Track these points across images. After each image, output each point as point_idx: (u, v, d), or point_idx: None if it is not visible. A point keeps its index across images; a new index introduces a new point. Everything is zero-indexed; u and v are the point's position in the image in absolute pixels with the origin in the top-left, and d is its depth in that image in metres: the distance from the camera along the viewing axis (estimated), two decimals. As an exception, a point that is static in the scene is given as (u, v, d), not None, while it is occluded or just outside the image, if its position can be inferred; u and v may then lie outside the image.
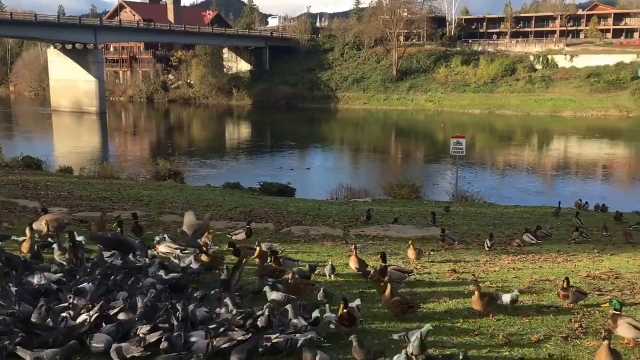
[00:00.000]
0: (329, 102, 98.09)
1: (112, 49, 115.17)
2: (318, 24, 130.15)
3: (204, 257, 8.53)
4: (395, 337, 5.98)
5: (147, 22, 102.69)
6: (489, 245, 12.24)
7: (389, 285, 6.89)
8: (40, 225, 9.86)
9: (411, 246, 10.14)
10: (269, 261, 8.85)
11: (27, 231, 8.65)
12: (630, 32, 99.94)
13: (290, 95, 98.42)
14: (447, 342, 6.17)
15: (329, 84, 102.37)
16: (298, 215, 16.52)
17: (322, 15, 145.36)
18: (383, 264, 8.26)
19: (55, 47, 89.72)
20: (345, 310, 6.12)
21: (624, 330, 6.04)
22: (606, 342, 5.17)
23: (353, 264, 8.96)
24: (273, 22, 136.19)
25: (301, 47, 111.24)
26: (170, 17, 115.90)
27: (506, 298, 7.23)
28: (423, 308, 7.22)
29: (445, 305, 7.49)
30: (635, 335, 5.99)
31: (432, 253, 11.22)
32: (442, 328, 6.59)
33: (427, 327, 5.73)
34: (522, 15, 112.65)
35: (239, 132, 77.36)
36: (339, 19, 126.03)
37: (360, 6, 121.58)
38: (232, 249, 9.10)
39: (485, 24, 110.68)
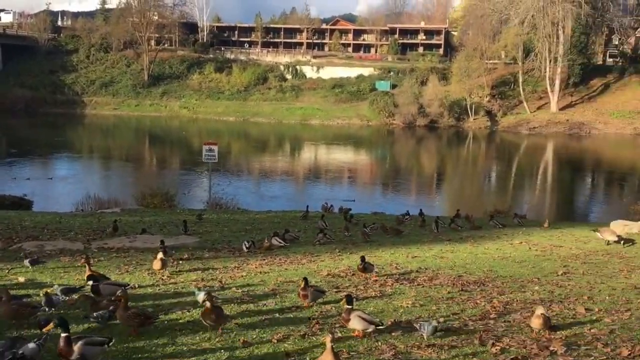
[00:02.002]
0: (75, 107, 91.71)
1: None
2: (60, 23, 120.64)
3: None
4: None
5: None
6: (246, 246, 12.44)
7: (124, 299, 6.48)
8: None
9: (157, 256, 9.79)
10: None
11: None
12: (367, 47, 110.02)
13: (29, 99, 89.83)
14: (186, 352, 6.02)
15: (73, 87, 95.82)
16: (34, 230, 15.04)
17: (64, 13, 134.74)
18: (94, 283, 7.72)
19: None
20: (62, 335, 5.31)
21: (354, 322, 6.43)
22: (329, 347, 5.27)
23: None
24: (6, 18, 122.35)
25: (41, 46, 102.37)
26: None
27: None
28: (162, 319, 6.95)
29: (188, 315, 7.30)
30: (364, 326, 6.42)
31: (180, 262, 10.95)
32: (182, 337, 6.42)
33: None
34: (272, 25, 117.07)
35: (-35, 139, 68.22)
36: (84, 19, 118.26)
37: (107, 6, 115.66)
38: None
39: (236, 32, 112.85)
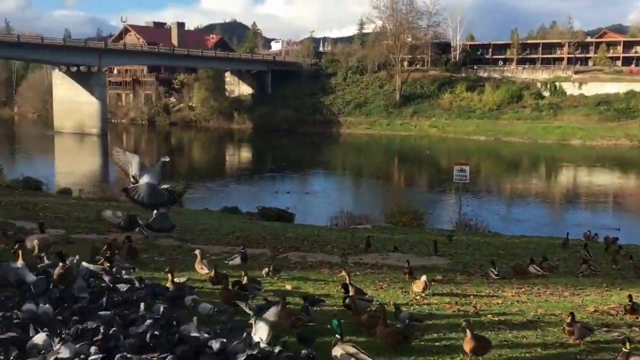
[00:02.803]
0: (331, 127, 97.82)
1: (115, 72, 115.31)
2: (321, 48, 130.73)
3: (169, 284, 8.25)
4: None
5: (151, 45, 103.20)
6: (495, 272, 11.95)
7: (383, 315, 6.58)
8: (32, 244, 9.74)
9: (420, 278, 9.87)
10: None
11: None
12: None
13: (292, 119, 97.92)
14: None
15: (331, 108, 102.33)
16: (296, 241, 16.19)
17: (325, 39, 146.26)
18: (347, 294, 7.82)
19: (59, 70, 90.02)
20: None
21: (634, 370, 5.71)
22: None
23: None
24: (276, 46, 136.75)
25: (303, 71, 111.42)
26: (174, 40, 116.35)
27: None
28: (420, 339, 6.90)
29: (444, 338, 7.15)
30: (646, 375, 5.65)
31: (432, 283, 10.88)
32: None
33: None
34: (529, 41, 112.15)
35: (239, 155, 77.16)
36: (342, 44, 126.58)
37: (364, 31, 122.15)
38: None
39: (490, 49, 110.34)
